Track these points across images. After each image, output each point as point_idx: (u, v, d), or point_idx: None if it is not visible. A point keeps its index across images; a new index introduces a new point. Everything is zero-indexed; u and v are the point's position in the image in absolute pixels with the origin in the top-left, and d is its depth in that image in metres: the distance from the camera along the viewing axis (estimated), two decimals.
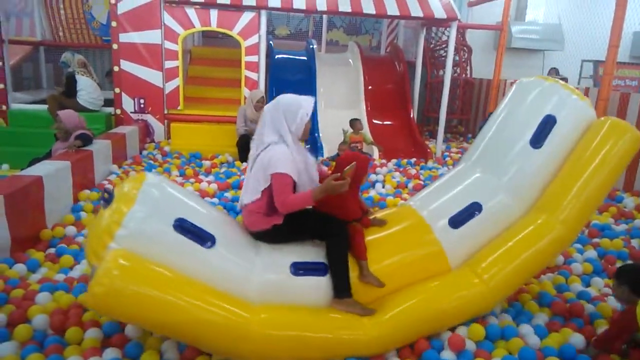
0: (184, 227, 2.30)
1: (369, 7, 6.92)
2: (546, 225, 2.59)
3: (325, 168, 2.99)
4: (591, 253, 3.72)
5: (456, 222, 2.72)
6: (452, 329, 2.63)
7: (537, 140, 2.75)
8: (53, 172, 3.91)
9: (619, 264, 3.65)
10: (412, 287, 2.57)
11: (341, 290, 2.46)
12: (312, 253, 2.54)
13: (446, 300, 2.51)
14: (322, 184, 2.45)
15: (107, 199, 2.31)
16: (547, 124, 2.76)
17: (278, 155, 2.47)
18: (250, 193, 2.56)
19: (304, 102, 2.59)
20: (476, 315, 2.65)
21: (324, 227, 2.53)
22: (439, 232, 2.72)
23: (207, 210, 2.57)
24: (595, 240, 4.00)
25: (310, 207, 2.57)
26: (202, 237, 2.33)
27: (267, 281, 2.42)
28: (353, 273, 2.53)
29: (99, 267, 2.10)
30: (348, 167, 2.49)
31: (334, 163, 2.80)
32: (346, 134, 6.66)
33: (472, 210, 2.73)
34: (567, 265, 3.55)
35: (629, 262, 3.52)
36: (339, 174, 2.48)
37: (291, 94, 2.66)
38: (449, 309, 2.51)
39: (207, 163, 5.89)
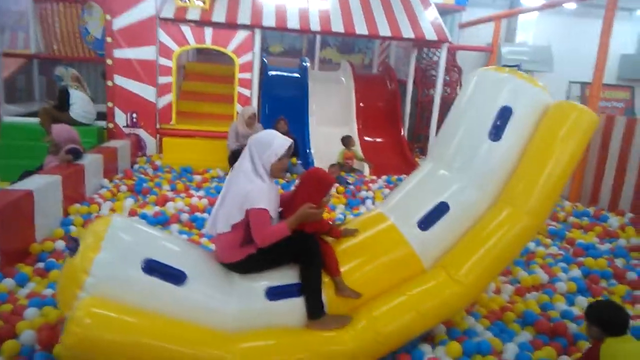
0: (153, 267, 2.28)
1: (361, 28, 7.06)
2: (513, 217, 2.62)
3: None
4: (576, 272, 3.78)
5: (425, 223, 2.74)
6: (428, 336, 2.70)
7: (496, 132, 2.77)
8: (43, 186, 3.91)
9: (603, 284, 3.72)
10: (389, 295, 2.58)
11: (315, 311, 2.47)
12: (285, 276, 2.54)
13: (421, 304, 2.52)
14: (297, 213, 2.47)
15: (73, 247, 2.28)
16: (504, 115, 2.77)
17: (256, 191, 2.45)
18: (223, 222, 2.52)
19: (275, 143, 2.54)
20: (452, 314, 2.70)
21: (297, 249, 2.53)
22: (410, 236, 2.73)
23: (176, 247, 2.55)
24: (580, 259, 4.06)
25: None
26: (173, 275, 2.31)
27: (244, 310, 2.42)
28: (329, 289, 2.55)
29: (69, 317, 2.09)
30: (326, 198, 2.54)
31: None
32: (339, 152, 6.75)
33: (440, 210, 2.74)
34: (551, 283, 3.60)
35: (599, 299, 3.34)
36: (313, 204, 2.50)
37: (275, 131, 2.66)
38: (425, 313, 2.52)
39: (198, 177, 5.92)
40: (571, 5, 10.79)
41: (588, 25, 9.91)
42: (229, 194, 2.54)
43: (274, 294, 2.48)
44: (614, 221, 4.97)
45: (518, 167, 2.74)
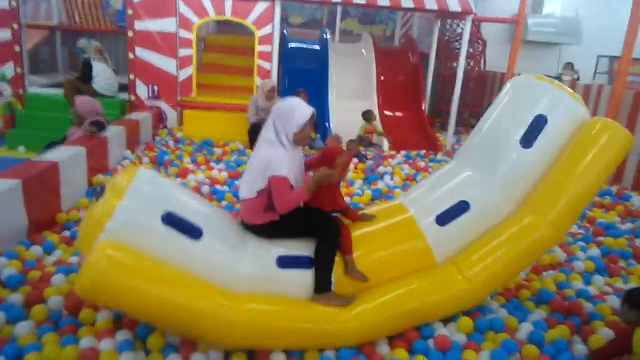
0: (171, 220, 2.35)
1: None
2: (533, 226, 2.62)
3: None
4: (594, 251, 3.75)
5: (443, 219, 2.75)
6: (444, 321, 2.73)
7: (528, 140, 2.74)
8: (68, 157, 4.02)
9: (621, 263, 3.69)
10: (395, 282, 2.64)
11: (322, 286, 2.53)
12: (298, 247, 2.61)
13: (427, 296, 2.57)
14: (313, 176, 2.54)
15: (99, 192, 2.37)
16: (538, 123, 2.74)
17: (277, 160, 2.50)
18: (247, 189, 2.61)
19: (297, 113, 2.57)
20: (458, 311, 2.71)
21: (319, 224, 2.59)
22: (426, 229, 2.76)
23: (195, 204, 2.62)
24: (600, 238, 4.03)
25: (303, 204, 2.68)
26: (190, 230, 2.39)
27: (253, 273, 2.49)
28: (338, 267, 2.60)
29: (87, 256, 2.18)
30: (340, 158, 2.60)
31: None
32: (361, 126, 6.73)
33: (460, 208, 2.75)
34: (569, 262, 3.59)
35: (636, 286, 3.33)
36: (326, 167, 2.56)
37: (298, 100, 2.66)
38: (429, 304, 2.57)
39: (218, 150, 5.98)
40: None
41: None
42: (254, 162, 2.62)
43: (285, 262, 2.55)
44: (636, 200, 4.89)
45: (546, 177, 2.72)
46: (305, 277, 2.55)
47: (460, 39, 7.72)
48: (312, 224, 2.62)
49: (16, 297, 2.68)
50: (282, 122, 2.57)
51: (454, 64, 8.95)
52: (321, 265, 2.54)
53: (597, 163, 2.63)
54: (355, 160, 5.82)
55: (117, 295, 2.16)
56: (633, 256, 3.76)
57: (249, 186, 2.60)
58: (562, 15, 10.92)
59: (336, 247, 2.58)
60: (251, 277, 2.49)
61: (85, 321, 2.56)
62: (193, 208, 2.54)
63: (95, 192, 2.40)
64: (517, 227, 2.65)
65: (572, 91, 2.83)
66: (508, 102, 2.98)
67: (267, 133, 2.61)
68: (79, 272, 2.16)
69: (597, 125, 2.71)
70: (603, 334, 2.69)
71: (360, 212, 2.90)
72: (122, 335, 2.45)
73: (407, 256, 2.73)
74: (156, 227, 2.32)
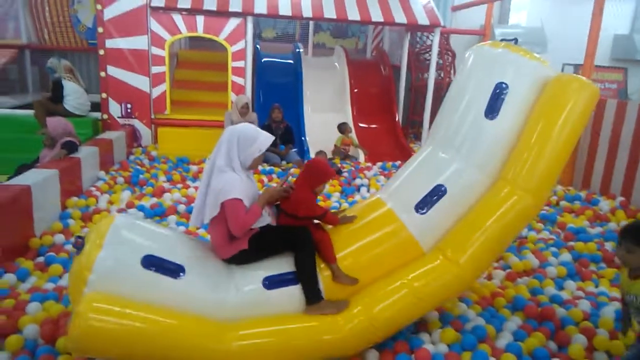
0: (151, 262, 2.37)
1: (353, 14, 7.03)
2: (512, 196, 2.56)
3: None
4: (566, 256, 3.86)
5: (422, 207, 2.73)
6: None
7: (492, 110, 2.69)
8: (41, 180, 3.95)
9: (592, 267, 3.80)
10: (386, 280, 2.60)
11: (312, 297, 2.54)
12: (282, 265, 2.61)
13: (419, 288, 2.52)
14: (262, 193, 2.64)
15: (79, 245, 2.39)
16: (500, 92, 2.68)
17: (229, 183, 2.53)
18: (202, 217, 2.65)
19: (261, 138, 2.64)
20: (451, 297, 2.72)
21: (289, 239, 2.62)
22: (407, 220, 2.73)
23: (175, 242, 2.62)
24: (571, 243, 4.14)
25: (274, 222, 2.72)
26: (171, 270, 2.40)
27: (242, 299, 2.49)
28: (327, 276, 2.61)
29: (75, 311, 2.19)
30: (319, 187, 2.72)
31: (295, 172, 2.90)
32: (338, 138, 6.81)
33: (436, 192, 2.72)
34: (542, 268, 3.68)
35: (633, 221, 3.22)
36: (279, 185, 2.71)
37: (255, 127, 2.72)
38: (423, 296, 2.53)
39: (194, 168, 5.94)
40: None
41: (582, 5, 9.86)
42: (210, 192, 2.61)
43: (271, 282, 2.55)
44: (604, 205, 5.04)
45: (517, 144, 2.67)
46: (294, 293, 2.54)
47: (430, 50, 7.88)
48: (281, 240, 2.64)
49: None
50: (242, 146, 2.60)
51: (425, 75, 9.11)
52: (304, 276, 2.55)
53: (568, 122, 2.56)
54: None
55: (109, 345, 2.18)
56: (603, 260, 3.88)
57: (205, 215, 2.61)
58: (528, 26, 11.25)
59: (312, 253, 2.59)
60: (241, 303, 2.48)
61: (63, 350, 2.52)
62: (173, 247, 2.55)
63: (76, 245, 2.41)
64: (496, 202, 2.58)
65: (531, 53, 2.78)
66: (468, 76, 2.93)
67: (217, 161, 2.61)
68: (69, 327, 2.16)
69: (561, 83, 2.65)
70: (579, 341, 2.73)
71: (340, 215, 2.90)
72: None
73: (393, 250, 2.70)
74: (137, 273, 2.34)
